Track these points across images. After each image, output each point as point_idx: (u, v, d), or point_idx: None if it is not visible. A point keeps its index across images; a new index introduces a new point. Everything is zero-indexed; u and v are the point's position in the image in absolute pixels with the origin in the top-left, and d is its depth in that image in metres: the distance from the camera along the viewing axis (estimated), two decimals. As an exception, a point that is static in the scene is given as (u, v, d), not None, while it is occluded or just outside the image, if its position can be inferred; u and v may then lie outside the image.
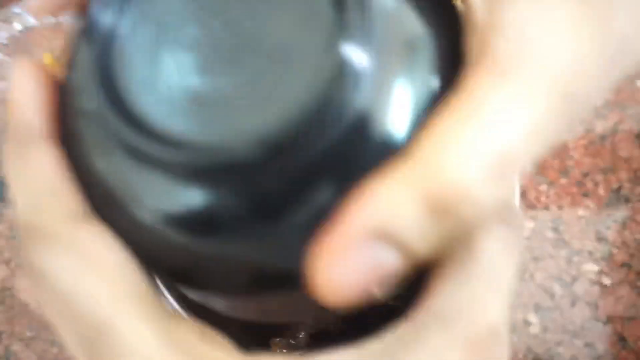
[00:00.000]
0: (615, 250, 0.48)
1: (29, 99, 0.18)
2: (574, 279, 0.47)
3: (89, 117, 0.17)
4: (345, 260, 0.14)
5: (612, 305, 0.47)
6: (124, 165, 0.17)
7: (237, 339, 0.30)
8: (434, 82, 0.16)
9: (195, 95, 0.16)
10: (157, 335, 0.16)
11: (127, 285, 0.16)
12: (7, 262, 0.47)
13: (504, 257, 0.17)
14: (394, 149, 0.15)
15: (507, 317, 0.17)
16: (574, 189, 0.49)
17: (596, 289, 0.47)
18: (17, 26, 0.50)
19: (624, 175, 0.50)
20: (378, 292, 0.16)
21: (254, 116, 0.15)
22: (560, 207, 0.49)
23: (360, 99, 0.15)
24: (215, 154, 0.15)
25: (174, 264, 0.18)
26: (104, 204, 0.18)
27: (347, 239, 0.14)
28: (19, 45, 0.50)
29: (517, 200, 0.25)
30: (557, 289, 0.47)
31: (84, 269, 0.16)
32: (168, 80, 0.16)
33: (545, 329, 0.46)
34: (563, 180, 0.50)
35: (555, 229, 0.49)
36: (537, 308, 0.47)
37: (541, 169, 0.50)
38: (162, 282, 0.29)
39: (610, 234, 0.48)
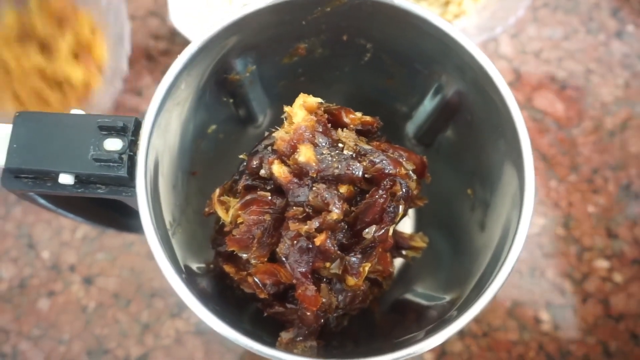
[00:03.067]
0: (626, 247, 0.48)
1: None
2: (585, 276, 0.47)
3: None
4: None
5: (624, 302, 0.46)
6: None
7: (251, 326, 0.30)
8: None
9: None
10: None
11: None
12: (14, 261, 0.47)
13: None
14: None
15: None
16: (584, 186, 0.49)
17: (608, 285, 0.47)
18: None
19: (633, 171, 0.50)
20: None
21: None
22: (570, 204, 0.49)
23: None
24: None
25: None
26: None
27: None
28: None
29: (532, 195, 0.25)
30: (568, 286, 0.47)
31: None
32: None
33: (557, 327, 0.46)
34: (572, 177, 0.49)
35: (566, 226, 0.48)
36: (549, 305, 0.46)
37: (551, 165, 0.50)
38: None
39: (621, 231, 0.48)
